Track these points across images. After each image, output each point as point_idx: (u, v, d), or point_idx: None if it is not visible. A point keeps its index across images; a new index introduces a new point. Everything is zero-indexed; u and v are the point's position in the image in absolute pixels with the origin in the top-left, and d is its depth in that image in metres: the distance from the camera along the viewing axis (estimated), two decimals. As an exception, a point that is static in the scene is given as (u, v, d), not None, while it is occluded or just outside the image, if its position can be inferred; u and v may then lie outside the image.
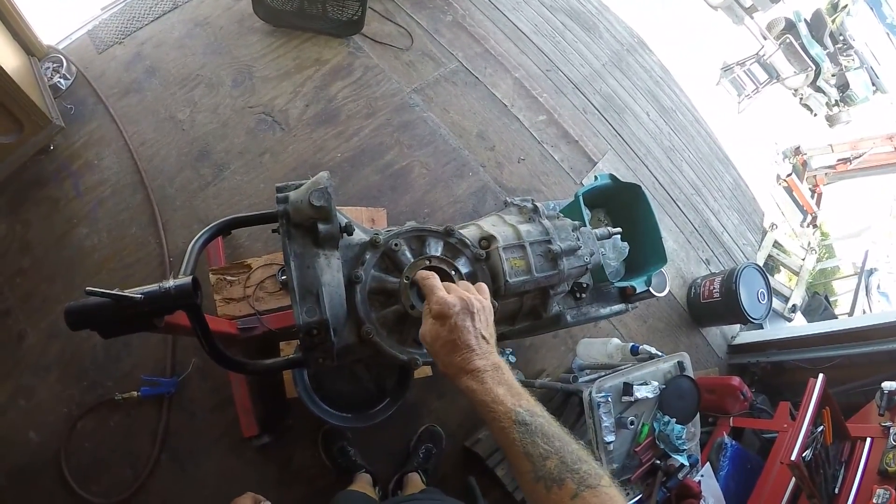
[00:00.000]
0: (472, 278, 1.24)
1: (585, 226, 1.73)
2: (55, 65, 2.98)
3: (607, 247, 2.09)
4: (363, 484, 2.30)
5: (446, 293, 0.92)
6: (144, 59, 3.15)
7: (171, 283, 1.06)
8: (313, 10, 3.27)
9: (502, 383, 0.83)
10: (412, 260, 1.21)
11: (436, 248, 1.27)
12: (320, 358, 1.15)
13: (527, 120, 3.69)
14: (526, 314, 1.59)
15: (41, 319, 2.52)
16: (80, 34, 3.24)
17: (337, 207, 1.21)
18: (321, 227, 1.11)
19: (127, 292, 1.02)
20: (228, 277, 2.26)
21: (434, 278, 0.97)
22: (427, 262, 1.19)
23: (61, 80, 2.96)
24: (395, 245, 1.23)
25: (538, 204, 1.63)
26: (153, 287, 1.06)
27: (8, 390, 2.42)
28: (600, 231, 1.76)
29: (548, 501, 0.72)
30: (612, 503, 0.70)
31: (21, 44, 2.82)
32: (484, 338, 0.90)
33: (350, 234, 1.21)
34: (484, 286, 1.01)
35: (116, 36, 3.21)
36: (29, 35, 2.84)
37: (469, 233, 1.38)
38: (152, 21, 3.28)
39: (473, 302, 0.91)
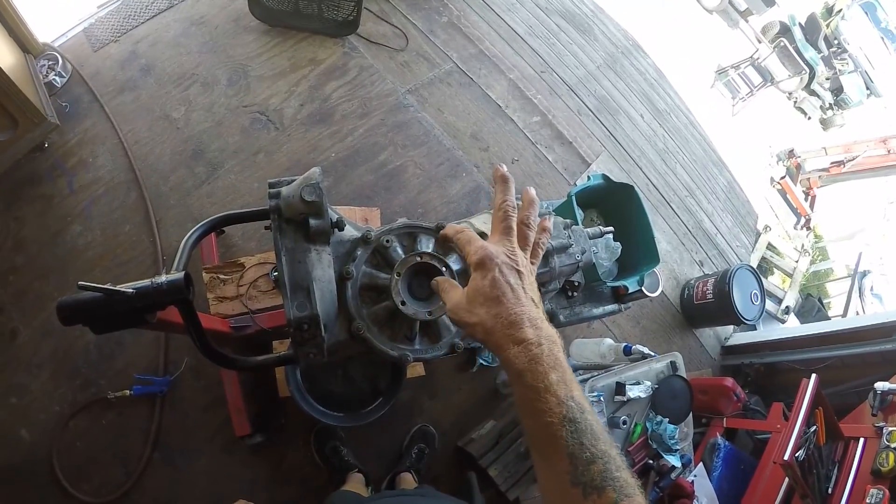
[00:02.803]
0: (464, 275, 1.24)
1: (577, 224, 1.74)
2: (51, 62, 2.98)
3: (599, 246, 2.09)
4: (356, 484, 2.30)
5: (489, 243, 0.79)
6: (140, 58, 3.15)
7: (163, 278, 1.06)
8: (309, 10, 3.28)
9: (556, 367, 0.69)
10: (403, 256, 1.22)
11: (427, 245, 1.27)
12: (311, 353, 1.14)
13: (521, 121, 3.70)
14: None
15: (34, 317, 2.51)
16: (76, 32, 3.23)
17: (330, 206, 1.22)
18: (312, 222, 1.11)
19: (119, 287, 1.02)
20: (221, 276, 2.26)
21: (468, 230, 0.83)
22: (418, 259, 1.19)
23: (56, 78, 2.96)
24: (387, 241, 1.23)
25: (530, 202, 1.63)
26: (145, 282, 1.06)
27: (0, 388, 2.41)
28: (592, 230, 1.77)
29: None
30: None
31: (17, 41, 2.81)
32: (534, 300, 0.75)
33: (341, 229, 1.21)
34: (549, 220, 0.89)
35: (112, 34, 3.21)
36: (25, 32, 2.84)
37: (461, 230, 1.38)
38: (148, 19, 3.29)
39: (520, 259, 0.78)
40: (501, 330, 0.71)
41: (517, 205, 0.85)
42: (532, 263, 0.82)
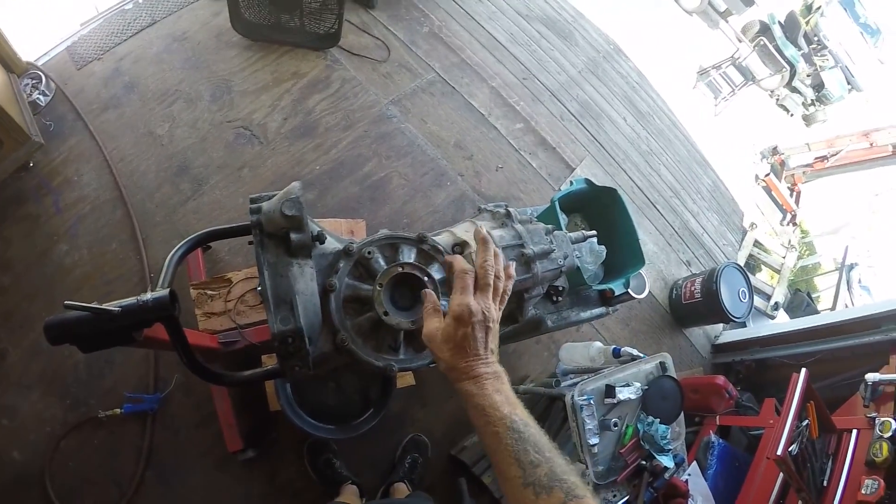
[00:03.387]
0: (446, 285, 1.26)
1: (560, 229, 1.75)
2: (34, 81, 2.98)
3: (584, 250, 2.11)
4: (350, 495, 2.29)
5: (473, 299, 0.93)
6: (123, 75, 3.16)
7: (148, 295, 1.07)
8: (291, 24, 3.30)
9: (500, 391, 0.87)
10: (385, 267, 1.23)
11: (409, 255, 1.28)
12: (297, 366, 1.15)
13: (504, 128, 3.73)
14: (502, 319, 1.60)
15: (23, 338, 2.50)
16: (59, 50, 3.24)
17: (316, 220, 1.23)
18: (293, 236, 1.12)
19: (105, 306, 1.03)
20: (209, 292, 2.26)
21: (470, 277, 0.96)
22: (400, 269, 1.20)
23: (40, 97, 2.96)
24: (369, 253, 1.24)
25: (511, 209, 1.65)
26: (131, 300, 1.07)
27: (-10, 410, 2.40)
28: (575, 234, 1.78)
29: None
30: None
31: (0, 60, 2.81)
32: (492, 350, 0.93)
33: (322, 242, 1.22)
34: (511, 266, 1.06)
35: (95, 52, 3.22)
36: (8, 51, 2.84)
37: (442, 239, 1.40)
38: (131, 37, 3.30)
39: (492, 315, 0.94)
40: (461, 370, 0.90)
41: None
42: (499, 310, 0.98)
